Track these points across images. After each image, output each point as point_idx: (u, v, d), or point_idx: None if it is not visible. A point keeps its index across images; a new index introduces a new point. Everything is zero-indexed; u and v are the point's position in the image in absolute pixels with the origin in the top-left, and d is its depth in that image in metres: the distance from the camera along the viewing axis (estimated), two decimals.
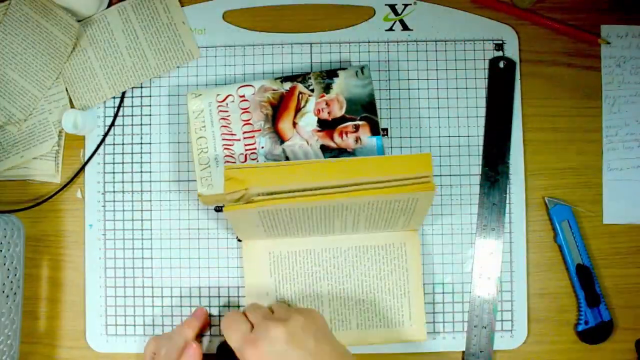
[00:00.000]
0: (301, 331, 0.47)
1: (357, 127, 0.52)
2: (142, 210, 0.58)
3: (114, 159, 0.59)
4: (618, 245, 0.58)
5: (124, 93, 0.59)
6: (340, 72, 0.54)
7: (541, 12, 0.59)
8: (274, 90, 0.53)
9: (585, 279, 0.56)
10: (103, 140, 0.59)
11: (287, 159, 0.53)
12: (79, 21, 0.59)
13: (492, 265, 0.56)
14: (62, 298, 0.58)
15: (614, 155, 0.58)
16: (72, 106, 0.59)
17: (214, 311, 0.57)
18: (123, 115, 0.59)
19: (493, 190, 0.57)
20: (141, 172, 0.59)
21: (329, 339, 0.48)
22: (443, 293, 0.57)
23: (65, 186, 0.59)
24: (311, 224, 0.51)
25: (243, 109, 0.53)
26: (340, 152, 0.52)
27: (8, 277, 0.54)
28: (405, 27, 0.59)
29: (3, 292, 0.53)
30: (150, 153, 0.59)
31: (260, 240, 0.55)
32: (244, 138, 0.53)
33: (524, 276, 0.57)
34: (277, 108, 0.53)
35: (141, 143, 0.59)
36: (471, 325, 0.56)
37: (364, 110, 0.52)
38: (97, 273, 0.58)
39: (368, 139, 0.52)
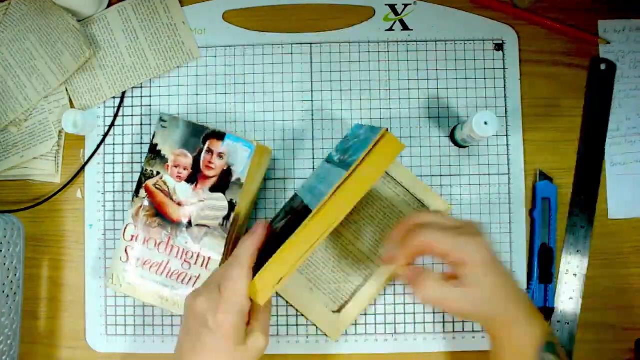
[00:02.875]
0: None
1: (210, 151, 0.52)
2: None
3: (114, 159, 0.59)
4: (618, 245, 0.58)
5: (124, 93, 0.59)
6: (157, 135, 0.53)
7: (541, 12, 0.59)
8: (143, 206, 0.53)
9: (545, 258, 0.56)
10: (103, 140, 0.59)
11: (205, 229, 0.52)
12: (79, 21, 0.59)
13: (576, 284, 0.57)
14: (62, 298, 0.58)
15: (616, 150, 0.58)
16: (72, 106, 0.59)
17: None
18: (123, 115, 0.59)
19: (583, 214, 0.57)
20: (141, 172, 0.58)
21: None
22: None
23: (65, 186, 0.59)
24: None
25: (144, 240, 0.53)
26: (223, 176, 0.52)
27: (8, 277, 0.54)
28: (405, 27, 0.59)
29: (3, 292, 0.53)
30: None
31: None
32: (170, 259, 0.53)
33: (524, 276, 0.57)
34: (159, 212, 0.53)
35: (141, 143, 0.59)
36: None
37: (199, 136, 0.52)
38: (97, 273, 0.58)
39: (233, 143, 0.52)
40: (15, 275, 0.55)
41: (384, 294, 0.57)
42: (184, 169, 0.52)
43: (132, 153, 0.59)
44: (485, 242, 0.45)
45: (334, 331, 0.55)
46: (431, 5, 0.59)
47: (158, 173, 0.53)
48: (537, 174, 0.57)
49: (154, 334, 0.57)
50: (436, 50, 0.59)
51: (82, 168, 0.59)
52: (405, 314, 0.57)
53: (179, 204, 0.52)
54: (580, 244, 0.57)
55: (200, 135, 0.52)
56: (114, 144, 0.59)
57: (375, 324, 0.57)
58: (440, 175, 0.58)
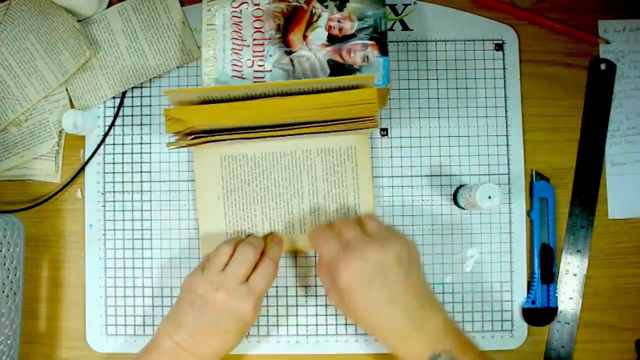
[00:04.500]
0: (396, 259, 0.46)
1: (365, 46, 0.52)
2: (142, 210, 0.58)
3: (114, 159, 0.59)
4: (618, 245, 0.58)
5: (124, 93, 0.59)
6: None
7: (541, 12, 0.59)
8: (288, 1, 0.54)
9: (546, 258, 0.56)
10: (103, 140, 0.59)
11: (294, 68, 0.53)
12: (79, 21, 0.59)
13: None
14: (62, 298, 0.58)
15: (616, 150, 0.58)
16: (72, 106, 0.59)
17: None
18: (123, 115, 0.59)
19: (583, 214, 0.57)
20: (141, 172, 0.59)
21: (418, 276, 0.48)
22: (443, 293, 0.57)
23: (65, 186, 0.59)
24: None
25: (256, 17, 0.54)
26: (346, 68, 0.53)
27: (8, 277, 0.54)
28: (405, 27, 0.59)
29: (3, 292, 0.53)
30: (150, 153, 0.59)
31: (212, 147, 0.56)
32: (254, 45, 0.54)
33: (524, 277, 0.57)
34: (290, 20, 0.54)
35: (141, 143, 0.59)
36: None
37: (375, 31, 0.53)
38: (97, 273, 0.58)
39: (375, 58, 0.52)
40: (15, 275, 0.55)
41: None
42: (339, 30, 0.52)
43: (132, 153, 0.59)
44: (371, 257, 0.46)
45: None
46: (431, 5, 0.59)
47: (326, 7, 0.53)
48: (533, 174, 0.57)
49: (154, 334, 0.57)
50: (436, 50, 0.59)
51: (82, 168, 0.59)
52: None
53: (304, 37, 0.53)
54: (580, 244, 0.57)
55: (370, 33, 0.53)
56: (114, 144, 0.59)
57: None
58: (440, 175, 0.58)
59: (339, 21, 0.53)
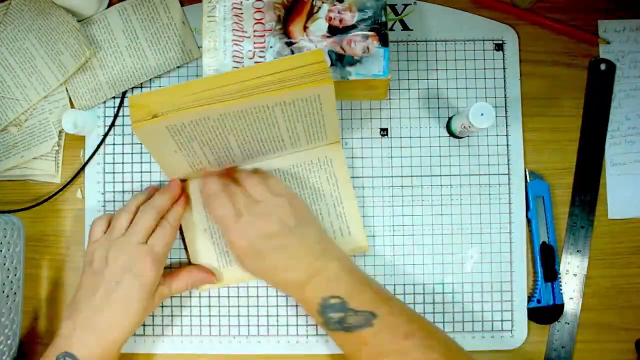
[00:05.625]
0: (283, 224, 0.49)
1: (366, 37, 0.52)
2: None
3: (114, 159, 0.59)
4: (618, 245, 0.58)
5: (124, 93, 0.59)
6: None
7: (541, 12, 0.59)
8: None
9: (547, 257, 0.56)
10: (103, 140, 0.59)
11: None
12: (79, 21, 0.59)
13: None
14: (62, 298, 0.58)
15: (616, 150, 0.58)
16: (72, 106, 0.59)
17: (214, 311, 0.57)
18: (123, 115, 0.59)
19: (583, 214, 0.58)
20: (141, 172, 0.59)
21: (312, 228, 0.51)
22: (443, 293, 0.57)
23: (65, 186, 0.59)
24: (233, 148, 0.52)
25: (256, 8, 0.54)
26: (347, 59, 0.53)
27: (8, 277, 0.54)
28: (405, 27, 0.59)
29: (3, 292, 0.53)
30: (150, 153, 0.59)
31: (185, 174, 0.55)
32: (254, 36, 0.54)
33: (524, 277, 0.57)
34: (290, 11, 0.54)
35: (141, 143, 0.59)
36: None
37: (375, 22, 0.53)
38: None
39: (376, 48, 0.52)
40: (15, 275, 0.55)
41: None
42: (340, 21, 0.53)
43: (132, 153, 0.59)
44: (260, 228, 0.49)
45: (360, 243, 0.57)
46: (431, 5, 0.59)
47: (324, 2, 0.53)
48: (526, 174, 0.57)
49: (154, 334, 0.57)
50: (436, 50, 0.59)
51: (82, 168, 0.59)
52: None
53: (304, 28, 0.53)
54: (580, 244, 0.57)
55: (371, 24, 0.52)
56: (114, 144, 0.59)
57: None
58: (440, 176, 0.58)
59: (339, 12, 0.53)
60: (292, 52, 0.53)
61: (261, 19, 0.54)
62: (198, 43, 0.59)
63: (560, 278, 0.56)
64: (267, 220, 0.49)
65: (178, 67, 0.59)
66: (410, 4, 0.59)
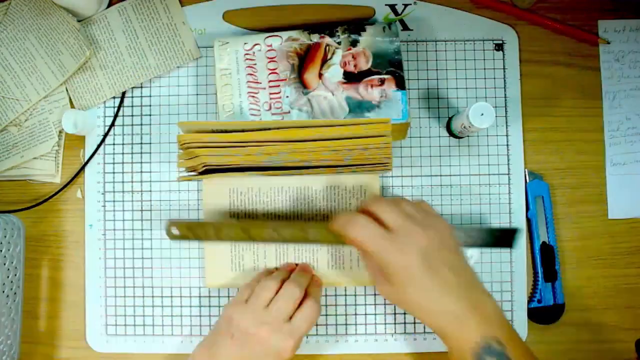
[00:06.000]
0: (443, 243, 0.45)
1: (382, 81, 0.52)
2: (142, 210, 0.58)
3: (114, 159, 0.59)
4: (618, 245, 0.58)
5: (124, 93, 0.59)
6: (367, 27, 0.54)
7: (541, 12, 0.59)
8: (301, 41, 0.54)
9: (547, 257, 0.56)
10: (103, 140, 0.59)
11: (312, 108, 0.53)
12: (79, 21, 0.59)
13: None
14: (62, 298, 0.58)
15: (616, 150, 0.58)
16: (72, 106, 0.59)
17: (214, 311, 0.57)
18: (123, 115, 0.59)
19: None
20: (141, 172, 0.59)
21: (464, 258, 0.47)
22: None
23: (65, 186, 0.59)
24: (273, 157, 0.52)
25: (270, 58, 0.54)
26: (364, 105, 0.52)
27: (8, 277, 0.54)
28: (405, 27, 0.59)
29: (3, 292, 0.53)
30: (150, 153, 0.59)
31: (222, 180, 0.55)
32: (269, 87, 0.53)
33: (523, 277, 0.57)
34: (304, 59, 0.54)
35: (141, 143, 0.59)
36: None
37: (390, 64, 0.53)
38: (97, 273, 0.58)
39: (393, 92, 0.52)
40: (15, 275, 0.55)
41: None
42: (354, 66, 0.52)
43: (132, 153, 0.59)
44: (420, 243, 0.44)
45: None
46: (431, 5, 0.59)
47: (339, 44, 0.53)
48: (526, 174, 0.57)
49: (154, 334, 0.57)
50: (436, 50, 0.59)
51: (82, 168, 0.59)
52: (405, 314, 0.57)
53: (320, 75, 0.52)
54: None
55: (386, 67, 0.52)
56: (114, 144, 0.59)
57: (375, 324, 0.57)
58: (440, 176, 0.58)
59: (353, 57, 0.53)
60: (309, 101, 0.52)
61: (275, 69, 0.53)
62: (198, 43, 0.59)
63: (560, 280, 0.56)
64: (431, 230, 0.45)
65: (178, 67, 0.59)
66: (410, 4, 0.59)
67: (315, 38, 0.54)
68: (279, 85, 0.53)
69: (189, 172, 0.52)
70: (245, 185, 0.55)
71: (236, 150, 0.49)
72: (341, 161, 0.49)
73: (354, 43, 0.53)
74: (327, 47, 0.53)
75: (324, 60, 0.53)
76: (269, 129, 0.48)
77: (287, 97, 0.53)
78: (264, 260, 0.56)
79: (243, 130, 0.48)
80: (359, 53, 0.53)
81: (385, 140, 0.48)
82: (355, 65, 0.53)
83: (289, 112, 0.53)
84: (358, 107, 0.52)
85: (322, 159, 0.49)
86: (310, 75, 0.53)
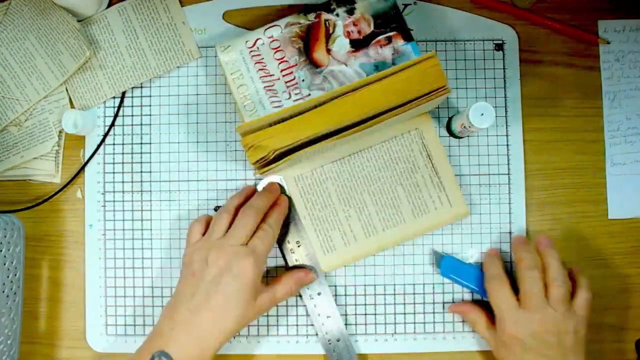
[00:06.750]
0: (573, 332, 0.50)
1: (389, 39, 0.52)
2: (142, 210, 0.58)
3: (114, 159, 0.59)
4: (618, 245, 0.58)
5: (124, 93, 0.59)
6: None
7: (541, 12, 0.59)
8: (300, 23, 0.54)
9: None
10: (103, 140, 0.59)
11: (331, 84, 0.53)
12: (79, 21, 0.59)
13: None
14: (62, 298, 0.58)
15: (616, 150, 0.58)
16: (72, 106, 0.59)
17: None
18: (123, 115, 0.59)
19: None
20: (141, 172, 0.59)
21: (584, 346, 0.51)
22: (443, 293, 0.57)
23: (65, 186, 0.59)
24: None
25: (274, 48, 0.54)
26: (380, 65, 0.52)
27: (8, 277, 0.54)
28: (405, 27, 0.59)
29: (3, 292, 0.53)
30: (150, 153, 0.59)
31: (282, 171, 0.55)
32: (283, 75, 0.53)
33: None
34: (308, 40, 0.54)
35: (141, 143, 0.59)
36: None
37: (392, 21, 0.53)
38: (97, 273, 0.58)
39: (403, 46, 0.52)
40: (15, 275, 0.56)
41: (384, 294, 0.57)
42: (358, 32, 0.52)
43: (132, 153, 0.59)
44: (550, 318, 0.49)
45: (460, 209, 0.56)
46: (431, 5, 0.59)
47: (337, 15, 0.53)
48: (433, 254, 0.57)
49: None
50: (436, 50, 0.59)
51: (82, 168, 0.59)
52: (405, 314, 0.57)
53: (328, 51, 0.53)
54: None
55: (388, 24, 0.52)
56: (114, 144, 0.59)
57: (375, 324, 0.57)
58: None
59: (354, 24, 0.53)
60: (325, 79, 0.52)
61: (283, 57, 0.53)
62: (198, 43, 0.59)
63: None
64: (555, 326, 0.50)
65: (178, 67, 0.59)
66: (410, 4, 0.59)
67: (312, 17, 0.54)
68: (292, 72, 0.53)
69: (260, 165, 0.49)
70: (307, 170, 0.55)
71: (300, 126, 0.47)
72: (397, 102, 0.48)
73: (351, 11, 0.54)
74: (327, 22, 0.53)
75: (328, 36, 0.53)
76: (322, 103, 0.47)
77: (303, 80, 0.53)
78: (352, 234, 0.56)
79: (300, 113, 0.47)
80: (358, 19, 0.53)
81: (432, 63, 0.47)
82: (359, 32, 0.53)
83: (309, 94, 0.53)
84: (375, 70, 0.52)
85: (380, 107, 0.48)
86: (319, 54, 0.53)
